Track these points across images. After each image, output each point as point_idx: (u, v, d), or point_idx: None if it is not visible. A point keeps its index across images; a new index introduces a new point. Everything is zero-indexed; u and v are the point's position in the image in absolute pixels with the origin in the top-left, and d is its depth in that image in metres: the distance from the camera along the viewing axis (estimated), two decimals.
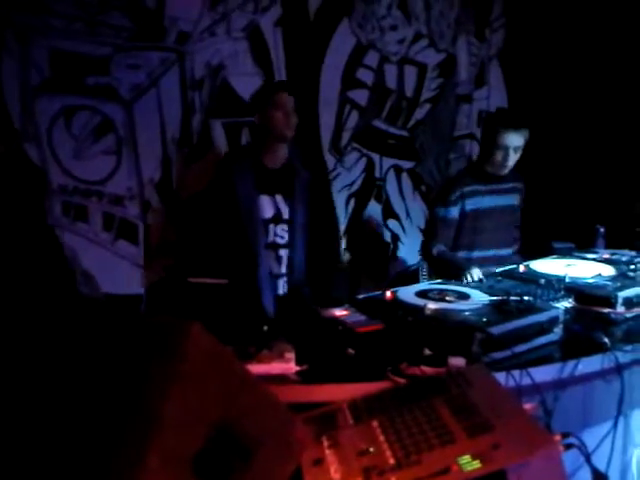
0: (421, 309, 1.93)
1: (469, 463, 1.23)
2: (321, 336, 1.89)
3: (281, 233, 2.72)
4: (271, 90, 2.73)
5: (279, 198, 2.72)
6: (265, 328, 1.87)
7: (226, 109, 3.14)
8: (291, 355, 1.78)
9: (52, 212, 2.82)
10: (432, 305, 1.93)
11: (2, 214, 2.26)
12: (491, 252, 2.98)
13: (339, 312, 1.98)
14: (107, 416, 0.99)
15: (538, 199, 4.11)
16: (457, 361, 1.68)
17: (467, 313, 1.90)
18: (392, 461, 1.30)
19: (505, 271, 2.48)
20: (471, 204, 2.91)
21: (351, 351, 1.80)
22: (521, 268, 2.49)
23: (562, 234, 3.36)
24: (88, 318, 1.10)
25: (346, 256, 3.72)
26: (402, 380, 1.66)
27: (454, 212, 2.91)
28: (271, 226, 2.71)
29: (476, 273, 2.45)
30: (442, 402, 1.47)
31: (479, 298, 2.03)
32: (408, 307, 1.99)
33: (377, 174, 3.71)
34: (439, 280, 2.38)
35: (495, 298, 1.98)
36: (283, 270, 2.76)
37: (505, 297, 1.96)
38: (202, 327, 1.06)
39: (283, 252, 2.74)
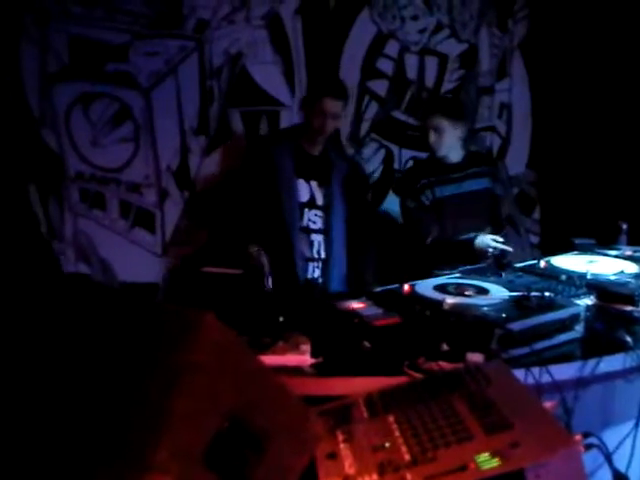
0: (439, 303, 1.89)
1: (487, 461, 1.20)
2: (337, 329, 1.86)
3: (314, 218, 2.76)
4: (317, 94, 2.71)
5: (314, 184, 2.77)
6: (281, 319, 1.85)
7: (244, 98, 3.11)
8: (306, 347, 1.75)
9: (69, 199, 2.82)
10: (450, 300, 1.90)
11: None
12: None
13: (356, 305, 1.96)
14: (116, 409, 0.98)
15: (559, 194, 4.05)
16: (475, 357, 1.65)
17: (486, 308, 1.86)
18: (408, 457, 1.28)
19: (525, 266, 2.44)
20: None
21: (367, 344, 1.78)
22: (542, 264, 2.44)
23: (582, 230, 3.30)
24: (95, 306, 1.09)
25: None
26: (419, 375, 1.63)
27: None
28: (305, 210, 2.75)
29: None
30: (460, 398, 1.44)
31: (498, 293, 1.99)
32: (426, 301, 1.95)
33: (396, 165, 3.66)
34: (458, 274, 2.34)
35: (515, 293, 1.94)
36: (315, 255, 2.80)
37: (526, 293, 1.92)
38: (215, 317, 1.04)
39: (315, 237, 2.79)
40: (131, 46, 2.82)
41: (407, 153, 3.64)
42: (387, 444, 1.35)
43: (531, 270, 2.37)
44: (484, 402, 1.40)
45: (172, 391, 0.98)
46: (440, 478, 1.19)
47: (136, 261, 2.91)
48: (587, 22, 3.84)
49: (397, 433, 1.38)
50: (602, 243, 2.85)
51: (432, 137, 2.93)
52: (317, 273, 2.81)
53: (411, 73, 3.59)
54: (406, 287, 2.09)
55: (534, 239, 4.15)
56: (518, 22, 3.95)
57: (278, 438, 1.16)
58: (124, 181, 2.89)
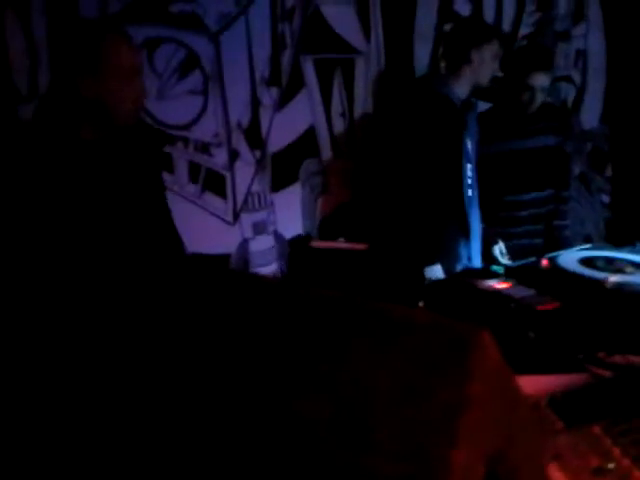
0: (598, 282, 1.64)
1: None
2: (488, 315, 1.60)
3: (469, 174, 2.56)
4: (488, 38, 2.57)
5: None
6: (420, 304, 1.59)
7: (318, 44, 2.76)
8: None
9: None
10: (614, 278, 1.64)
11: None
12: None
13: (498, 285, 1.70)
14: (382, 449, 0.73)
15: (633, 151, 3.77)
16: None
17: None
18: None
19: None
20: None
21: (532, 334, 1.52)
22: None
23: None
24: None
25: None
26: (604, 372, 1.39)
27: None
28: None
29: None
30: None
31: None
32: (577, 279, 1.70)
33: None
34: (588, 245, 2.08)
35: None
36: None
37: None
38: (490, 334, 0.78)
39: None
40: None
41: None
42: (611, 465, 1.11)
43: None
44: None
45: (450, 436, 0.72)
46: None
47: (207, 230, 2.61)
48: None
49: (617, 450, 1.14)
50: None
51: (539, 99, 2.68)
52: None
53: (488, 16, 3.25)
54: (544, 261, 1.84)
55: (605, 198, 3.88)
56: None
57: (525, 471, 0.92)
58: (193, 140, 2.57)
